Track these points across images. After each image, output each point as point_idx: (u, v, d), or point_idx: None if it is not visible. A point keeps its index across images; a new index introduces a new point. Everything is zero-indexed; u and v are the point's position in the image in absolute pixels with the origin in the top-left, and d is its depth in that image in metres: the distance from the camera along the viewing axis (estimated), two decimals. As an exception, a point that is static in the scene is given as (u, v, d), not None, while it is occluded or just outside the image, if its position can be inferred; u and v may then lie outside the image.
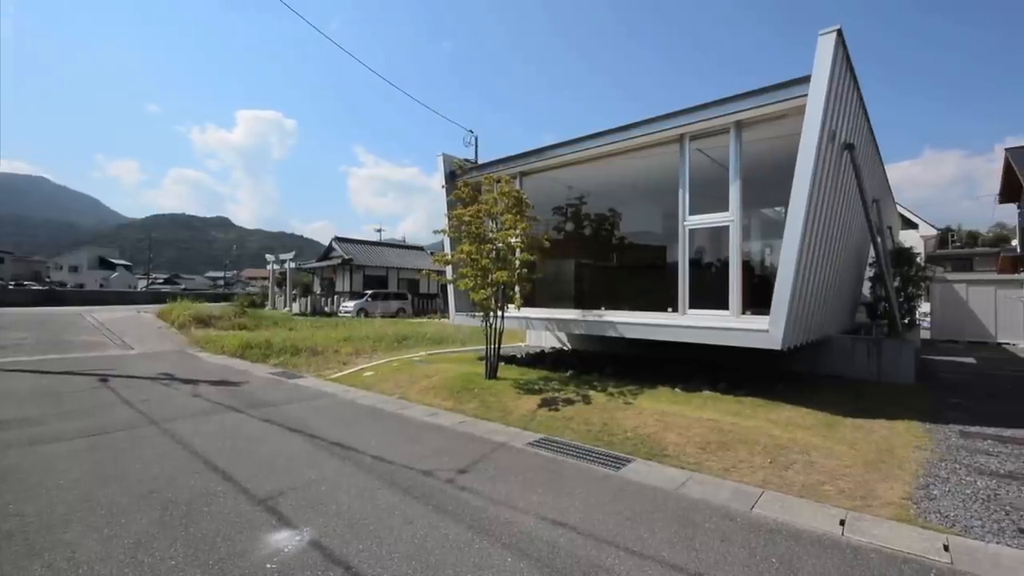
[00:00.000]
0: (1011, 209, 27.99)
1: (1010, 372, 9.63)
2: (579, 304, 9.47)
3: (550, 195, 11.11)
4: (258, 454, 4.61)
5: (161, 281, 76.67)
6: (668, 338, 7.18)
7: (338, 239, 33.94)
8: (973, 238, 51.64)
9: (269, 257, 34.21)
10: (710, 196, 7.23)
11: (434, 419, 6.03)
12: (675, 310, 7.42)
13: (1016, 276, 17.61)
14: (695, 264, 7.61)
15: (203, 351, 12.14)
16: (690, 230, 7.31)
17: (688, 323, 7.05)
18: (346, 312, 26.06)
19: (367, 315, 25.53)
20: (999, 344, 14.65)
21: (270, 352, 11.19)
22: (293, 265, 32.72)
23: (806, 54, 5.80)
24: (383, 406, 6.72)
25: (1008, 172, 22.38)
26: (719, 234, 7.14)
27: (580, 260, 11.36)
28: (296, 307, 29.10)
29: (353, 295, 29.43)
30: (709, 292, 7.18)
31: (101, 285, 64.83)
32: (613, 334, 7.89)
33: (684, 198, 7.32)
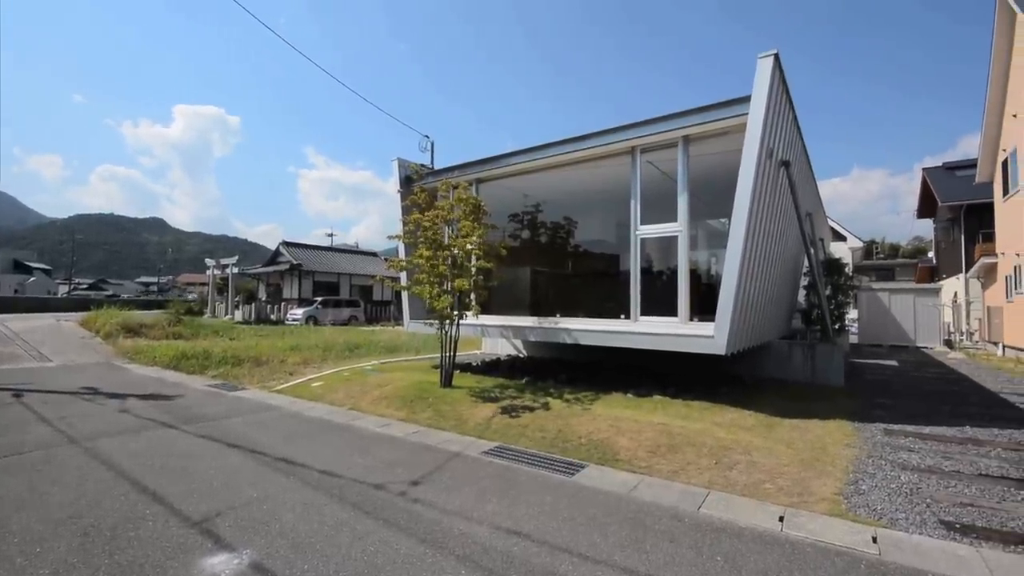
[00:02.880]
0: (928, 224, 30.82)
1: (927, 374, 10.55)
2: (535, 311, 9.56)
3: (506, 203, 11.19)
4: (193, 473, 4.34)
5: (85, 287, 70.90)
6: (621, 344, 7.37)
7: (286, 243, 32.79)
8: (895, 250, 56.27)
9: (209, 262, 32.51)
10: (660, 207, 7.51)
11: (386, 430, 5.90)
12: (628, 317, 7.64)
13: (932, 285, 19.37)
14: (647, 272, 7.87)
15: (132, 363, 11.34)
16: (641, 239, 7.56)
17: (640, 330, 7.27)
18: (294, 320, 25.28)
19: (317, 323, 24.86)
20: (918, 347, 16.02)
21: (209, 363, 10.60)
22: (236, 270, 31.17)
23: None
24: (332, 418, 6.51)
25: (925, 190, 24.62)
26: (669, 244, 7.43)
27: (536, 268, 11.50)
28: (239, 315, 27.72)
29: (302, 302, 28.51)
30: (660, 300, 7.45)
31: (16, 291, 59.13)
32: (568, 341, 8.01)
33: (636, 208, 7.58)
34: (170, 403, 7.24)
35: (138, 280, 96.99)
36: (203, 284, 48.83)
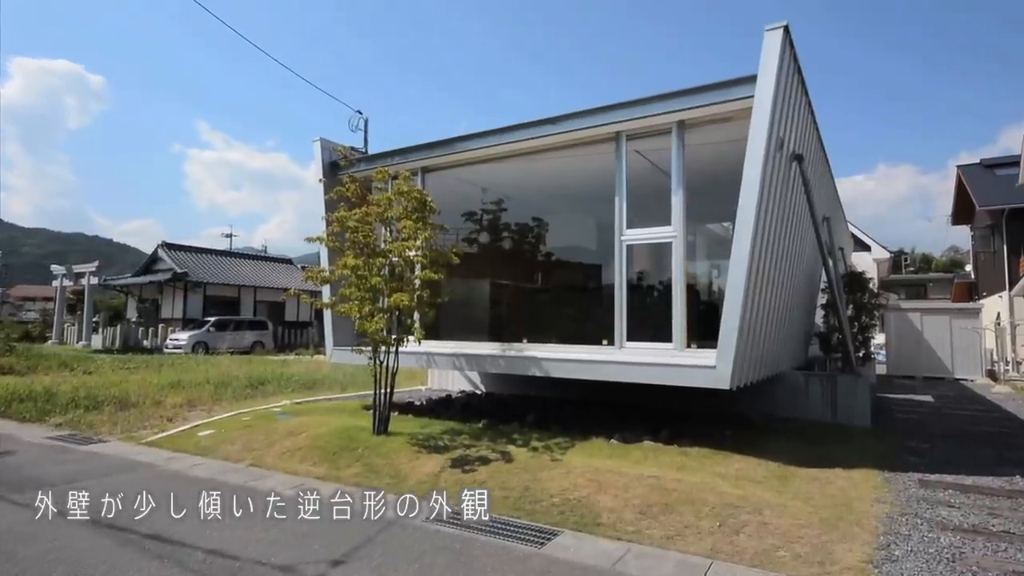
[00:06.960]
0: (965, 232, 32.94)
1: (968, 411, 11.19)
2: (496, 335, 9.59)
3: (460, 198, 11.22)
4: (22, 559, 4.07)
5: None
6: (603, 377, 7.47)
7: (167, 245, 31.95)
8: (927, 262, 59.99)
9: (57, 268, 31.36)
10: (651, 208, 7.73)
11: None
12: (611, 343, 7.76)
13: (971, 305, 20.65)
14: (634, 287, 8.05)
15: (-59, 407, 10.63)
16: (628, 246, 7.74)
17: (626, 359, 7.39)
18: (176, 347, 24.87)
19: (208, 351, 24.50)
20: (956, 379, 16.97)
21: (52, 407, 10.14)
22: (96, 280, 30.08)
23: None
24: (227, 477, 6.29)
25: (960, 191, 26.34)
26: (661, 252, 7.64)
27: (497, 280, 11.56)
28: (98, 341, 26.70)
29: (188, 323, 28.00)
30: (650, 321, 7.63)
31: None
32: (538, 373, 8.04)
33: (621, 208, 7.76)
34: (-5, 462, 6.82)
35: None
36: (47, 299, 46.49)
